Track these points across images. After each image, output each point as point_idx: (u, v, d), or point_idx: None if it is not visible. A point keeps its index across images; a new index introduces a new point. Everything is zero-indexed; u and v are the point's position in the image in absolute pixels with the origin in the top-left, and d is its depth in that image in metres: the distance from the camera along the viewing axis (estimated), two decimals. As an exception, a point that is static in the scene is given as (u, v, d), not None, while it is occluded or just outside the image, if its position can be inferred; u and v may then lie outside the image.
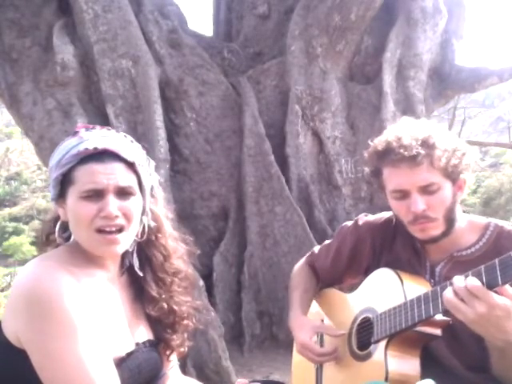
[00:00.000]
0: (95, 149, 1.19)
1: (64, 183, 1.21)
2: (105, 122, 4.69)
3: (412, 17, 5.44)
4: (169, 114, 4.91)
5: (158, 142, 4.47)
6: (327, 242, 1.84)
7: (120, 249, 1.22)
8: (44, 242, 1.30)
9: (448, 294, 1.19)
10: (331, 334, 1.60)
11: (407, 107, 5.29)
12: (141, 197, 1.26)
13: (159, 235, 1.34)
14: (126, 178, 1.21)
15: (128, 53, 4.67)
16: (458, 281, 1.18)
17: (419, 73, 5.42)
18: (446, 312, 1.27)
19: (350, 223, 1.76)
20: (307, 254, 1.88)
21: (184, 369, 3.68)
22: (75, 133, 1.24)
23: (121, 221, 1.20)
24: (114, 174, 1.19)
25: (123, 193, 1.21)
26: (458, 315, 1.18)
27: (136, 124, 4.69)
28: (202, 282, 4.10)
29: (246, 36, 5.84)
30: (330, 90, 5.21)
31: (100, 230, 1.18)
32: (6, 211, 15.32)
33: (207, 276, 4.49)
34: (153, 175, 1.32)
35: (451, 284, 1.20)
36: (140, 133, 4.65)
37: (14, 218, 14.94)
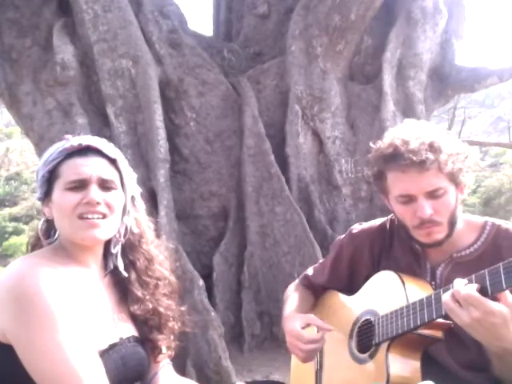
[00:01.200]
0: (79, 145, 1.27)
1: (50, 180, 1.27)
2: (105, 121, 4.70)
3: (412, 17, 5.44)
4: (169, 114, 4.90)
5: (158, 141, 4.47)
6: (321, 260, 1.84)
7: (100, 234, 1.25)
8: (30, 252, 1.34)
9: (445, 296, 1.19)
10: (320, 326, 1.56)
11: (407, 107, 5.29)
12: (122, 193, 1.32)
13: (142, 240, 1.40)
14: (108, 172, 1.28)
15: (128, 53, 4.67)
16: (458, 284, 1.18)
17: (419, 73, 5.42)
18: (448, 315, 1.26)
19: (343, 236, 1.74)
20: (300, 277, 1.87)
21: (184, 369, 3.71)
22: (62, 139, 1.32)
23: (102, 208, 1.25)
24: (96, 166, 1.27)
25: (106, 186, 1.27)
26: (455, 318, 1.18)
27: (136, 124, 4.69)
28: (201, 282, 4.10)
29: (246, 36, 5.84)
30: (329, 90, 5.20)
31: (82, 217, 1.23)
32: (6, 211, 15.30)
33: (207, 276, 4.49)
34: (135, 184, 1.39)
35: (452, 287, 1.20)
36: (140, 133, 4.66)
37: (14, 218, 14.91)
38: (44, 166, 1.27)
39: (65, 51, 4.67)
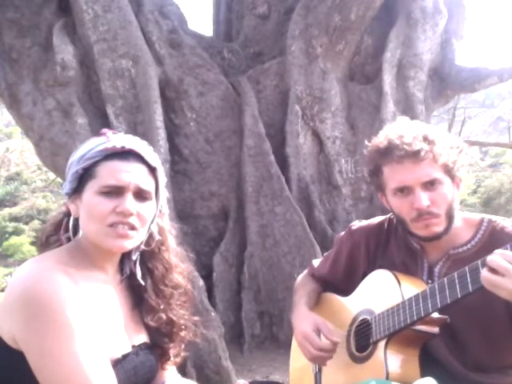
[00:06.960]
0: (123, 147, 1.22)
1: (83, 178, 1.22)
2: (105, 121, 4.70)
3: (412, 17, 5.44)
4: (169, 114, 4.90)
5: (158, 141, 4.46)
6: (325, 254, 1.84)
7: (128, 244, 1.22)
8: (44, 243, 1.30)
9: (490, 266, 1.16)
10: (326, 336, 1.55)
11: (407, 107, 5.29)
12: (155, 204, 1.28)
13: (163, 248, 1.36)
14: (146, 182, 1.24)
15: (128, 53, 4.67)
16: (495, 256, 1.16)
17: (419, 73, 5.42)
18: (442, 310, 1.27)
19: (343, 232, 1.76)
20: (308, 267, 1.88)
21: (184, 369, 3.70)
22: (101, 134, 1.26)
23: (134, 220, 1.21)
24: (136, 174, 1.21)
25: (141, 195, 1.23)
26: (501, 291, 1.16)
27: (136, 124, 4.69)
28: (201, 282, 4.10)
29: (246, 36, 5.84)
30: (329, 90, 5.20)
31: (112, 225, 1.19)
32: (6, 211, 15.30)
33: (207, 276, 4.49)
34: (164, 190, 1.33)
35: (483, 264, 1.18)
36: (140, 133, 4.65)
37: (14, 218, 14.92)
38: (79, 162, 1.21)
39: (65, 51, 4.67)
